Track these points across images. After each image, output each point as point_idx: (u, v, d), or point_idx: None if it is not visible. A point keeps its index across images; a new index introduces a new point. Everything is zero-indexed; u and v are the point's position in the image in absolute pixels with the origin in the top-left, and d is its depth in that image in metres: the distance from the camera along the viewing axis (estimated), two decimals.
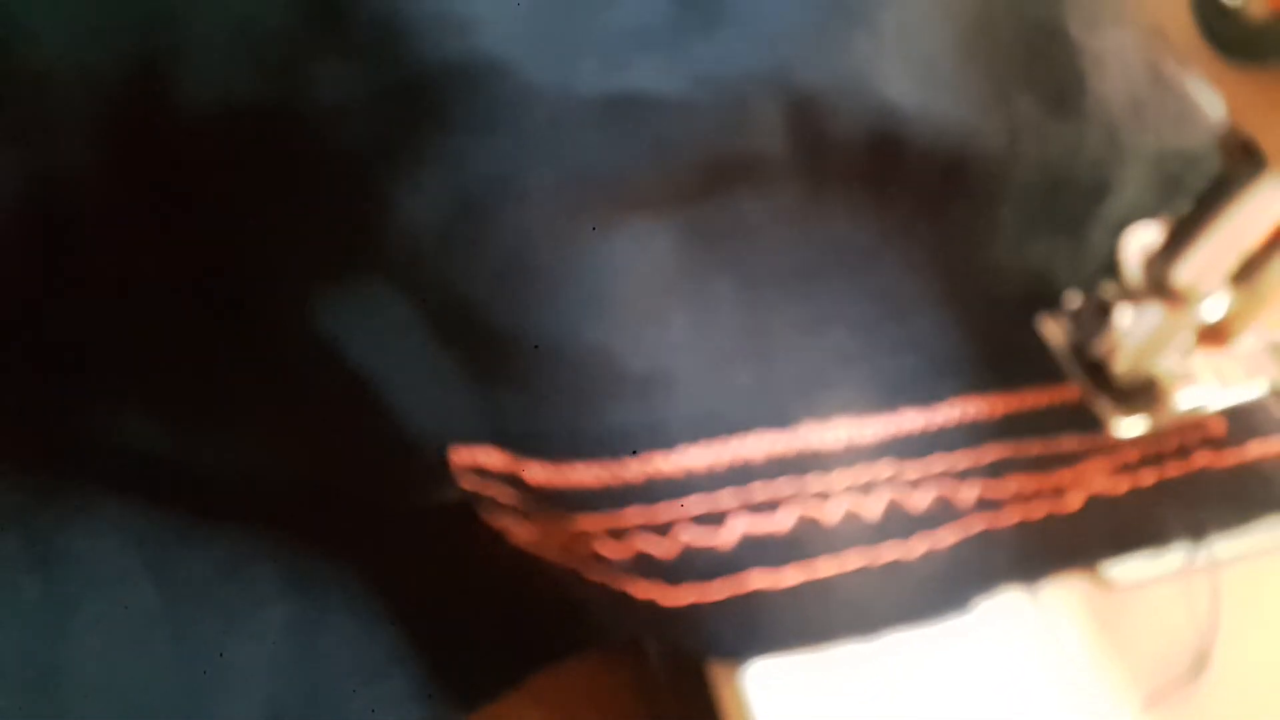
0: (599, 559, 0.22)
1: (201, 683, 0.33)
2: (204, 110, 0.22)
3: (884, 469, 0.22)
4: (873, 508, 0.22)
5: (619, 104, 0.19)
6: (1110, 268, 0.22)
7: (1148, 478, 0.24)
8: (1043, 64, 0.22)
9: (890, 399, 0.23)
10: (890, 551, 0.22)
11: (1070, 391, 0.24)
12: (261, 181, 0.24)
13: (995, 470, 0.23)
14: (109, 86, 0.23)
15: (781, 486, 0.21)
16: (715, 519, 0.21)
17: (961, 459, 0.23)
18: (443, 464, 0.24)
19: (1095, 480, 0.23)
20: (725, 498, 0.21)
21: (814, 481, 0.21)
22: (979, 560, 0.22)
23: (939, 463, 0.23)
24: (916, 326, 0.23)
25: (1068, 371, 0.23)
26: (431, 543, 0.34)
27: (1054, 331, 0.23)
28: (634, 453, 0.21)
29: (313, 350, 0.25)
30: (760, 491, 0.21)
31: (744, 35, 0.19)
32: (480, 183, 0.20)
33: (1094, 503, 0.23)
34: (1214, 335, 0.23)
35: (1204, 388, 0.23)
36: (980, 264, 0.24)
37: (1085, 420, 0.24)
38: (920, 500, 0.22)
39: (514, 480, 0.23)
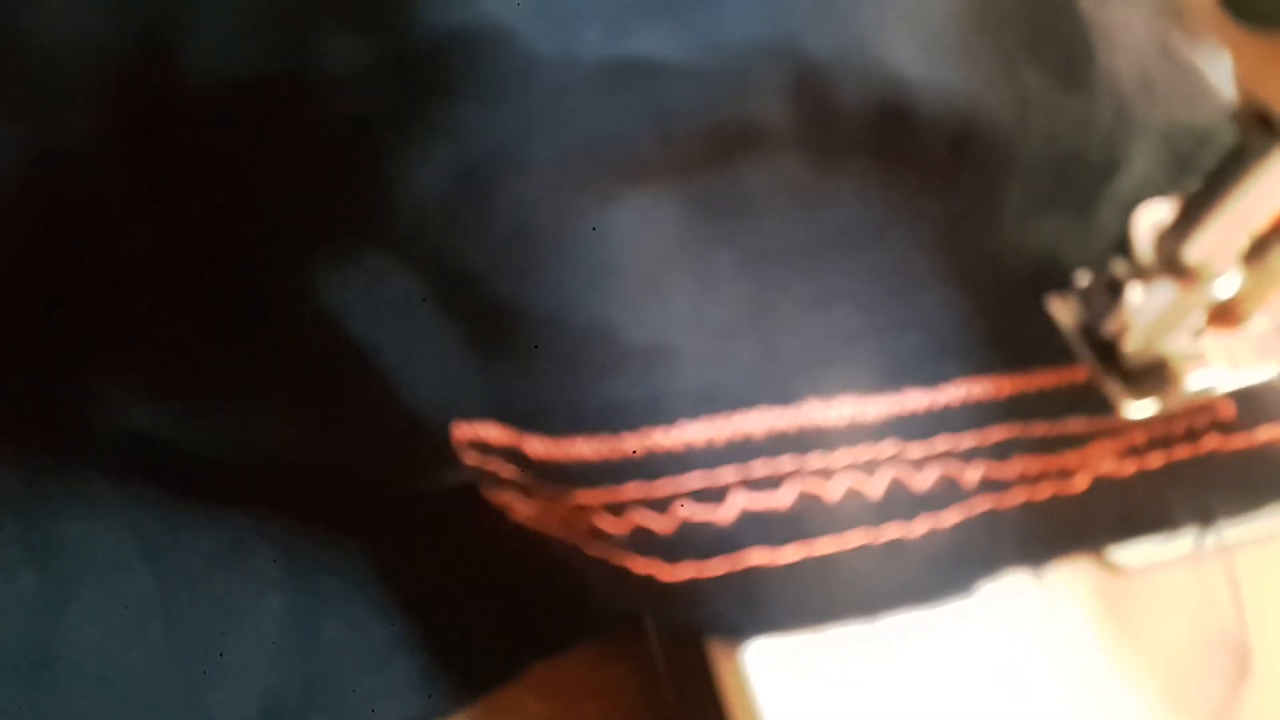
0: (598, 534, 0.22)
1: (199, 672, 0.32)
2: (211, 83, 0.22)
3: (887, 448, 0.22)
4: (875, 486, 0.21)
5: (622, 70, 0.19)
6: (1121, 247, 0.21)
7: (1155, 460, 0.23)
8: (1051, 37, 0.22)
9: (895, 378, 0.23)
10: (892, 530, 0.21)
11: (1078, 373, 0.24)
12: (268, 154, 0.24)
13: (1000, 451, 0.23)
14: (115, 60, 0.23)
15: (783, 463, 0.21)
16: (715, 494, 0.20)
17: (966, 439, 0.23)
18: (445, 440, 0.24)
19: (1102, 462, 0.23)
20: (725, 473, 0.20)
21: (816, 459, 0.21)
22: (983, 541, 0.22)
23: (943, 443, 0.22)
24: (923, 305, 0.23)
25: (1076, 352, 0.23)
26: (432, 532, 0.34)
27: (1063, 311, 0.23)
28: (634, 427, 0.20)
29: (316, 325, 0.25)
30: (761, 468, 0.21)
31: (750, 3, 0.19)
32: (483, 153, 0.20)
33: (1100, 485, 0.23)
34: (1225, 316, 0.23)
35: (1214, 369, 0.23)
36: (988, 242, 0.23)
37: (1093, 402, 0.23)
38: (924, 480, 0.22)
39: (515, 455, 0.22)
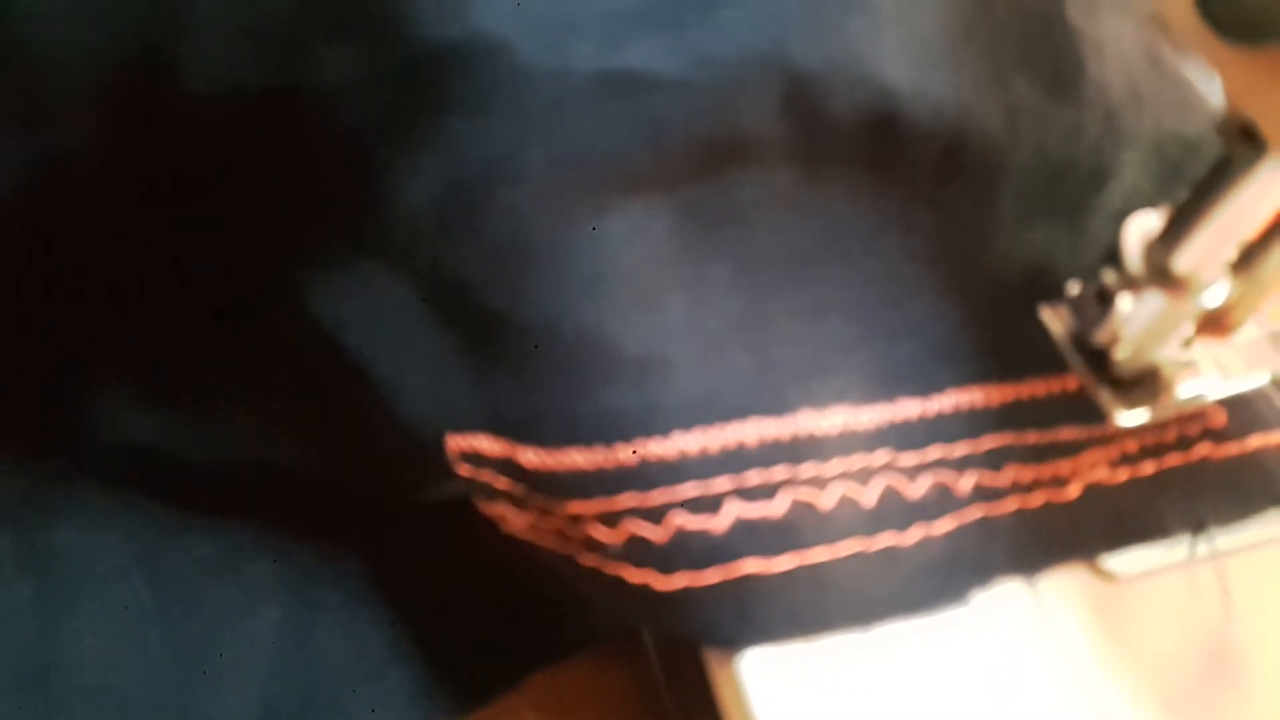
0: (592, 544, 0.22)
1: (195, 682, 0.32)
2: (206, 92, 0.22)
3: (881, 457, 0.22)
4: (869, 495, 0.22)
5: (615, 83, 0.19)
6: (1111, 257, 0.21)
7: (1147, 468, 0.24)
8: (1040, 48, 0.22)
9: (888, 387, 0.23)
10: (886, 539, 0.21)
11: (1070, 381, 0.24)
12: (263, 165, 0.24)
13: (993, 460, 0.23)
14: (111, 68, 0.23)
15: (776, 472, 0.21)
16: (709, 504, 0.20)
17: (959, 448, 0.23)
18: (439, 451, 0.24)
19: (1095, 470, 0.23)
20: (720, 483, 0.21)
21: (809, 468, 0.21)
22: (976, 548, 0.22)
23: (936, 451, 0.22)
24: (915, 314, 0.23)
25: (1068, 361, 0.23)
26: (428, 543, 0.34)
27: (1054, 320, 0.23)
28: (628, 437, 0.20)
29: (311, 337, 0.25)
30: (755, 477, 0.21)
31: (741, 16, 0.19)
32: (475, 164, 0.20)
33: (1093, 492, 0.23)
34: (1215, 325, 0.23)
35: (1205, 378, 0.23)
36: (980, 251, 0.24)
37: (1085, 410, 0.24)
38: (917, 488, 0.22)
39: (508, 466, 0.22)
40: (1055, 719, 0.21)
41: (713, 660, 0.22)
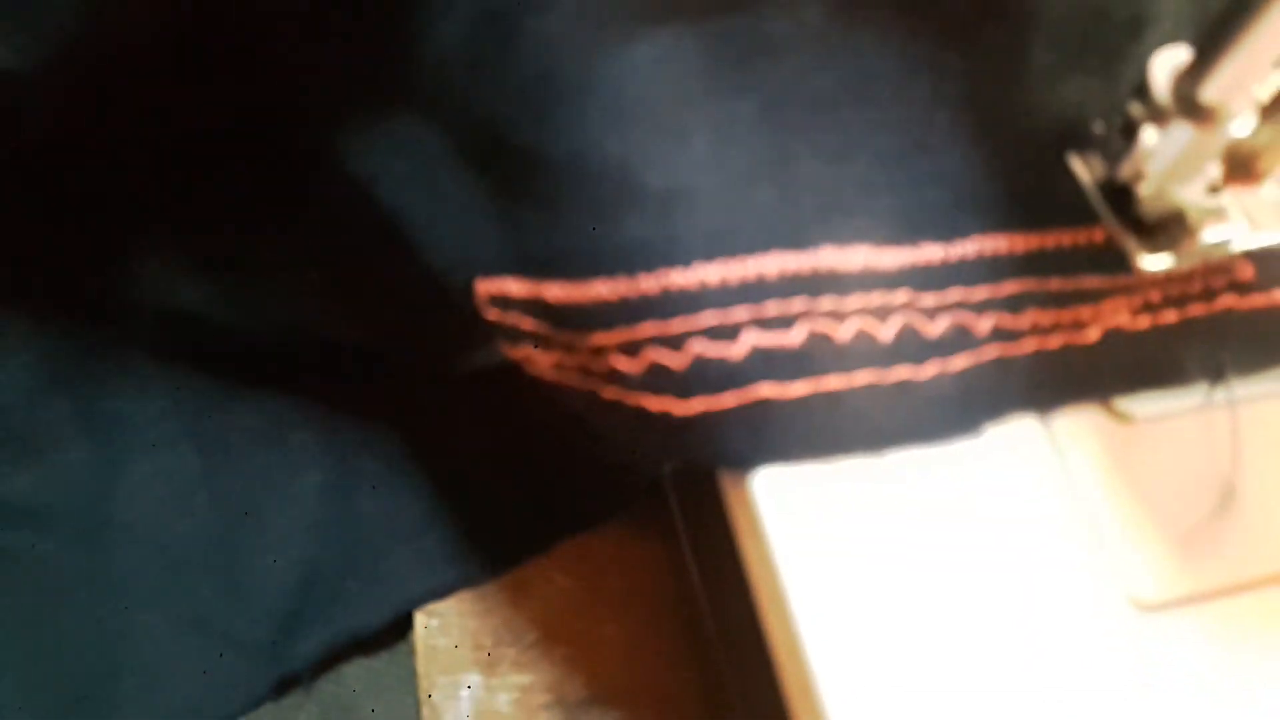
0: (614, 376, 0.22)
1: (241, 542, 0.34)
2: None
3: (900, 296, 0.22)
4: (886, 331, 0.22)
5: None
6: (1139, 90, 0.21)
7: (1170, 317, 0.24)
8: None
9: (911, 231, 0.23)
10: (901, 372, 0.22)
11: (1096, 234, 0.24)
12: (294, 17, 0.24)
13: (1013, 304, 0.23)
14: None
15: (795, 304, 0.21)
16: (728, 332, 0.21)
17: (980, 291, 0.23)
18: (469, 298, 0.24)
19: (1115, 316, 0.23)
20: (738, 312, 0.21)
21: (828, 302, 0.22)
22: (991, 385, 0.22)
23: (957, 294, 0.23)
24: (943, 161, 0.23)
25: (1095, 207, 0.23)
26: (465, 413, 0.35)
27: (1082, 168, 0.23)
28: (651, 267, 0.21)
29: (347, 197, 0.26)
30: (773, 308, 0.21)
31: None
32: None
33: (1112, 336, 0.23)
34: (1244, 172, 0.23)
35: (1232, 225, 0.23)
36: (1011, 101, 0.24)
37: (1109, 261, 0.24)
38: (935, 327, 0.22)
39: (535, 305, 0.23)
40: (1061, 552, 0.21)
41: (728, 486, 0.22)
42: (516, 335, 0.24)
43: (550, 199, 0.22)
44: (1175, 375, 0.23)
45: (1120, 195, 0.23)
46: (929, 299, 0.23)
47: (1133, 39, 0.24)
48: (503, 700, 0.34)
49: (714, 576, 0.33)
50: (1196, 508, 0.22)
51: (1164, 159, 0.21)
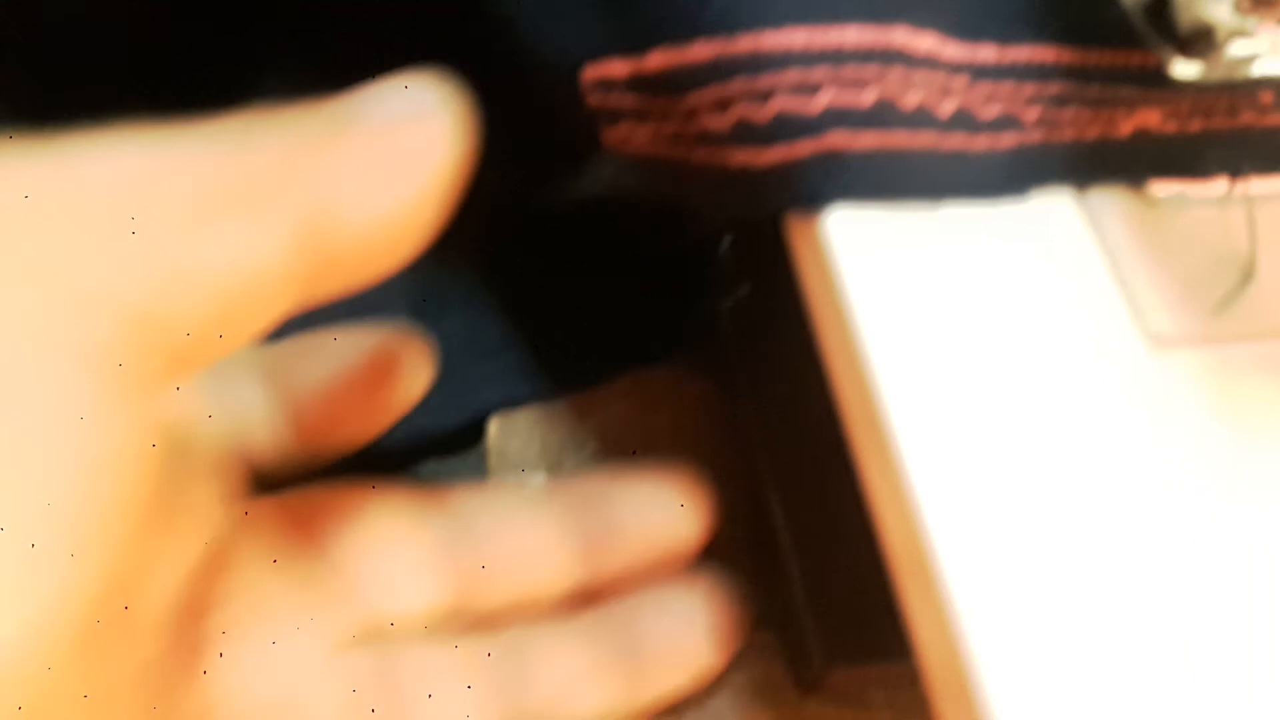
0: (704, 136, 0.26)
1: None
2: None
3: (959, 82, 0.26)
4: (945, 108, 0.25)
5: None
6: None
7: (1195, 125, 0.27)
8: None
9: (972, 33, 0.26)
10: (957, 140, 0.25)
11: (1134, 56, 0.27)
12: None
13: (1058, 100, 0.26)
14: None
15: (869, 71, 0.25)
16: (808, 89, 0.24)
17: (1028, 88, 0.26)
18: (575, 86, 0.28)
19: (1146, 119, 0.27)
20: (819, 73, 0.24)
21: (897, 73, 0.25)
22: (1035, 159, 0.26)
23: (1008, 88, 0.26)
24: None
25: (1134, 21, 0.26)
26: (543, 251, 0.39)
27: None
28: (747, 28, 0.24)
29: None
30: (850, 72, 0.25)
31: None
32: None
33: (1142, 134, 0.27)
34: (1266, 5, 0.26)
35: (1257, 42, 0.26)
36: None
37: (1145, 78, 0.27)
38: (988, 111, 0.26)
39: (635, 81, 0.26)
40: (1086, 293, 0.25)
41: (797, 233, 0.26)
42: (616, 116, 0.28)
43: None
44: (1198, 168, 0.26)
45: (1157, 14, 0.26)
46: (983, 89, 0.26)
47: None
48: None
49: (768, 413, 0.36)
50: (1215, 276, 0.25)
51: None
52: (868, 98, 0.25)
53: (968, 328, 0.24)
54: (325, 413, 0.30)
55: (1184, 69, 0.26)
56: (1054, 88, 0.27)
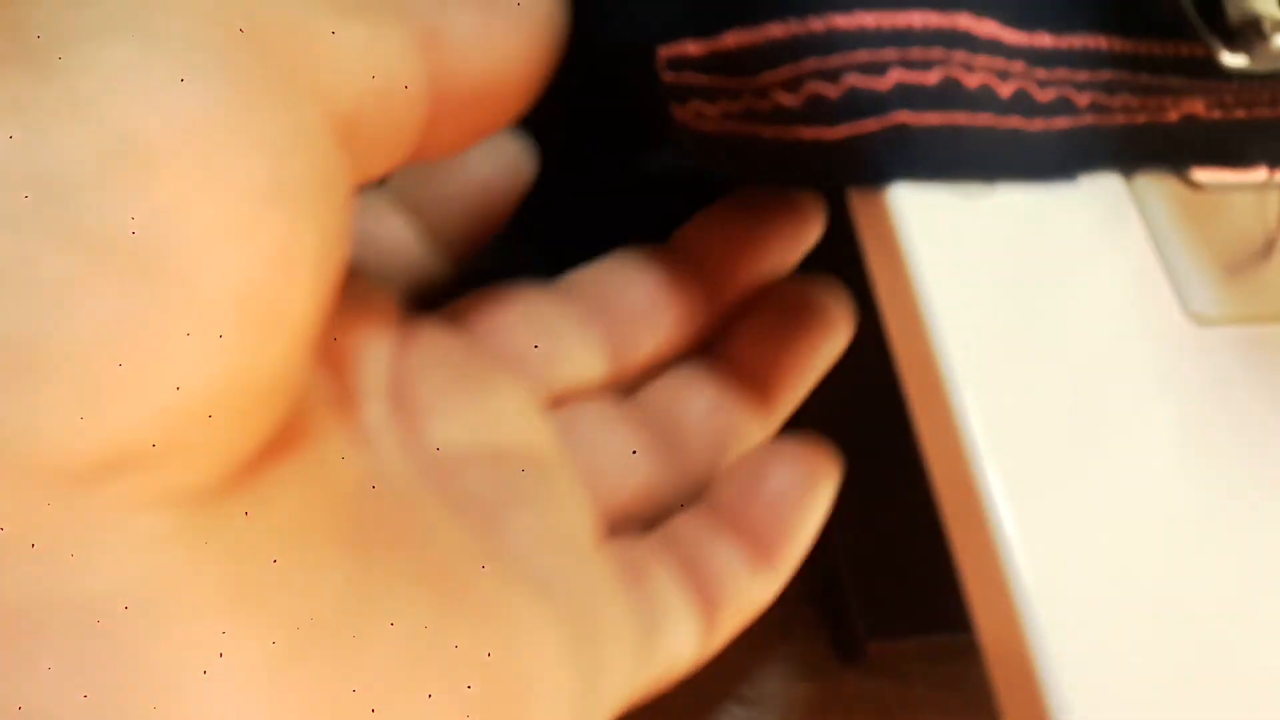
0: (776, 113, 0.27)
1: None
2: None
3: (1017, 66, 0.27)
4: (1004, 89, 0.27)
5: None
6: None
7: (1239, 113, 0.28)
8: None
9: (1029, 21, 0.28)
10: (1014, 121, 0.26)
11: (1183, 47, 0.29)
12: None
13: (1109, 87, 0.28)
14: None
15: (934, 53, 0.26)
16: (878, 68, 0.26)
17: (1081, 75, 0.28)
18: (650, 65, 0.29)
19: (1192, 106, 0.28)
20: (888, 53, 0.26)
21: (961, 55, 0.26)
22: (1086, 143, 0.27)
23: (1063, 73, 0.27)
24: None
25: (1186, 12, 0.28)
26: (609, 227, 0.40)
27: None
28: (819, 11, 0.26)
29: None
30: (916, 53, 0.26)
31: None
32: None
33: (1189, 120, 0.28)
34: None
35: None
36: None
37: (1193, 68, 0.28)
38: (1044, 95, 0.27)
39: (710, 60, 0.28)
40: (1132, 273, 0.26)
41: (860, 206, 0.27)
42: (688, 93, 0.29)
43: None
44: (1239, 156, 0.28)
45: (1207, 6, 0.28)
46: (1040, 73, 0.27)
47: None
48: None
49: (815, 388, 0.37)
50: (1244, 261, 0.27)
51: None
52: (933, 77, 0.26)
53: (1022, 301, 0.25)
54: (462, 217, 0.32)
55: (1232, 59, 0.27)
56: (1105, 74, 0.28)
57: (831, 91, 0.26)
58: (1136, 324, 0.26)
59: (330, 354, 0.23)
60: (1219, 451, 0.25)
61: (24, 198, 0.14)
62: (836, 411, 0.35)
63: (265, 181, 0.16)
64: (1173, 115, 0.28)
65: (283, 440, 0.18)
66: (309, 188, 0.17)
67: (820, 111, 0.26)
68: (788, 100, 0.27)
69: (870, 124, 0.26)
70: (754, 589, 0.29)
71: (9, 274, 0.13)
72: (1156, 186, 0.28)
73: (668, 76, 0.29)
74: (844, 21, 0.26)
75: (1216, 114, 0.28)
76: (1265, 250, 0.27)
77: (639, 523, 0.32)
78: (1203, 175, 0.28)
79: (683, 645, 0.29)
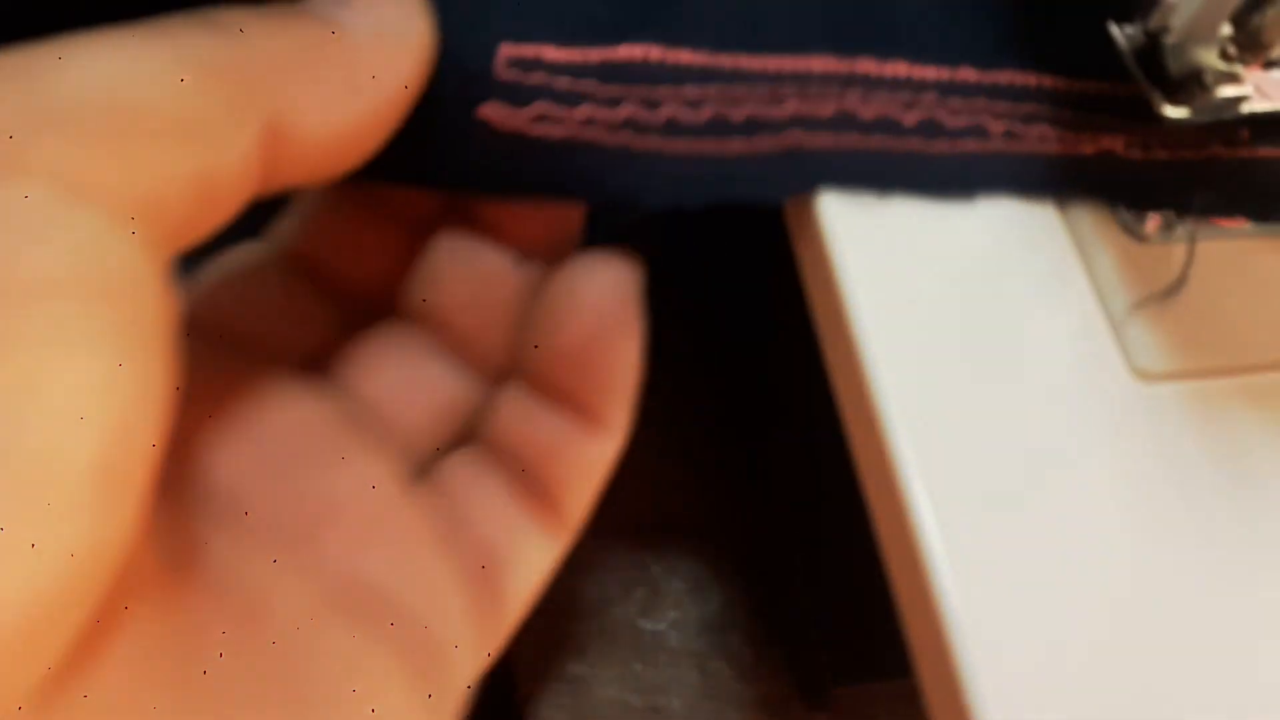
0: (672, 126, 0.26)
1: None
2: None
3: (928, 99, 0.27)
4: (909, 118, 0.27)
5: None
6: None
7: (1160, 154, 0.28)
8: None
9: (954, 57, 0.28)
10: (912, 143, 0.27)
11: (1118, 88, 0.29)
12: None
13: (1028, 119, 0.28)
14: None
15: (830, 89, 0.26)
16: (776, 100, 0.26)
17: (1000, 105, 0.28)
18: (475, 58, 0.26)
19: (1112, 144, 0.28)
20: (787, 90, 0.26)
21: (855, 93, 0.27)
22: (991, 168, 0.27)
23: (981, 104, 0.28)
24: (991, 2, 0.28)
25: (1126, 63, 0.28)
26: None
27: (1119, 34, 0.28)
28: (731, 51, 0.26)
29: None
30: (814, 87, 0.26)
31: None
32: None
33: (1106, 157, 0.28)
34: (1255, 49, 0.28)
35: (1244, 87, 0.27)
36: None
37: (1120, 108, 0.28)
38: (955, 121, 0.27)
39: (584, 69, 0.25)
40: (1071, 326, 0.26)
41: (793, 217, 0.28)
42: (531, 95, 0.25)
43: None
44: (1155, 197, 0.28)
45: (1149, 58, 0.28)
46: (955, 103, 0.27)
47: None
48: None
49: (779, 434, 0.37)
50: (1198, 311, 0.27)
51: (1186, 11, 0.26)
52: (827, 110, 0.26)
53: (963, 354, 0.25)
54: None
55: (1174, 111, 0.27)
56: (1026, 107, 0.28)
57: (734, 114, 0.26)
58: (1080, 381, 0.26)
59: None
60: (1161, 508, 0.25)
61: None
62: (808, 456, 0.35)
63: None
64: (1088, 149, 0.28)
65: (104, 623, 0.17)
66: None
67: (718, 129, 0.26)
68: (687, 116, 0.26)
69: (763, 142, 0.26)
70: (591, 452, 0.25)
71: None
72: (1101, 238, 0.28)
73: (509, 75, 0.25)
74: (753, 63, 0.26)
75: (1137, 154, 0.28)
76: (1173, 289, 0.27)
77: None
78: (1149, 227, 0.28)
79: (533, 559, 0.25)
